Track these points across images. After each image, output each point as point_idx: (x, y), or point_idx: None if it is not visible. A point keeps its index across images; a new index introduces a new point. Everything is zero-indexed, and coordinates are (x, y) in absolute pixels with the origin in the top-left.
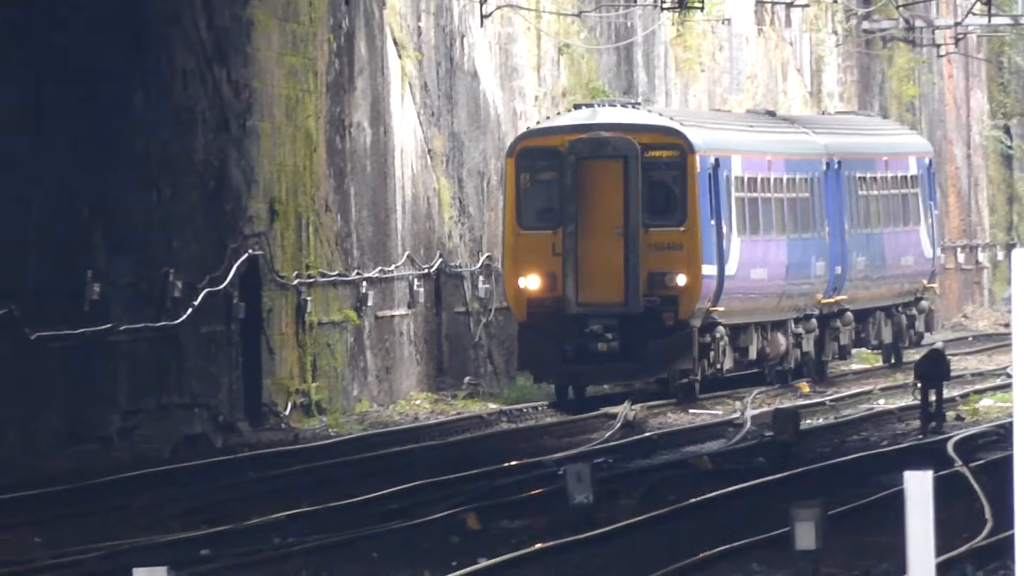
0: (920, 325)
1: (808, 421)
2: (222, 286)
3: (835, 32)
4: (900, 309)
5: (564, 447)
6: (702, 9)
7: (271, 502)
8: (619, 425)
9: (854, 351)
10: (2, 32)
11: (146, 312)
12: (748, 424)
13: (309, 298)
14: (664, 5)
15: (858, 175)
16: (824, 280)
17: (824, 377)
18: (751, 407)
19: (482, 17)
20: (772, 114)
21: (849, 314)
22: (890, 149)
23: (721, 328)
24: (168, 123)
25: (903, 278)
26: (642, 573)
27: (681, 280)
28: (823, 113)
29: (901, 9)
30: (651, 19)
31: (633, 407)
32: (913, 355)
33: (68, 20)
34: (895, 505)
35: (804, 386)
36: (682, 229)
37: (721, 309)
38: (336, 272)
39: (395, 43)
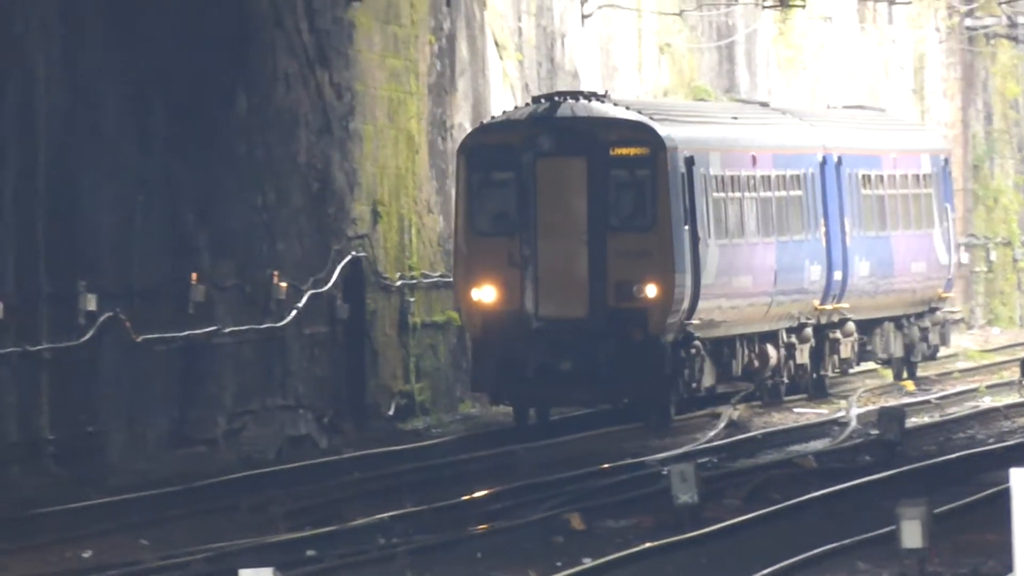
0: (935, 338)
1: (913, 419)
2: (326, 288)
3: (937, 29)
4: (912, 320)
5: (668, 447)
6: (804, 7)
7: (376, 502)
8: (724, 424)
9: (860, 365)
10: (106, 36)
11: (250, 314)
12: (853, 423)
13: (412, 299)
14: (766, 3)
15: (861, 172)
16: (820, 286)
17: (824, 392)
18: (856, 406)
19: (583, 17)
20: (765, 105)
21: (851, 324)
22: (900, 145)
23: (698, 343)
24: (271, 126)
25: (914, 286)
26: (747, 572)
27: (651, 291)
28: (828, 107)
29: (1004, 6)
30: (752, 17)
31: (737, 407)
32: (929, 370)
33: (172, 24)
34: (1002, 503)
35: (909, 384)
36: (652, 234)
37: (697, 322)
38: (438, 273)
39: (496, 44)
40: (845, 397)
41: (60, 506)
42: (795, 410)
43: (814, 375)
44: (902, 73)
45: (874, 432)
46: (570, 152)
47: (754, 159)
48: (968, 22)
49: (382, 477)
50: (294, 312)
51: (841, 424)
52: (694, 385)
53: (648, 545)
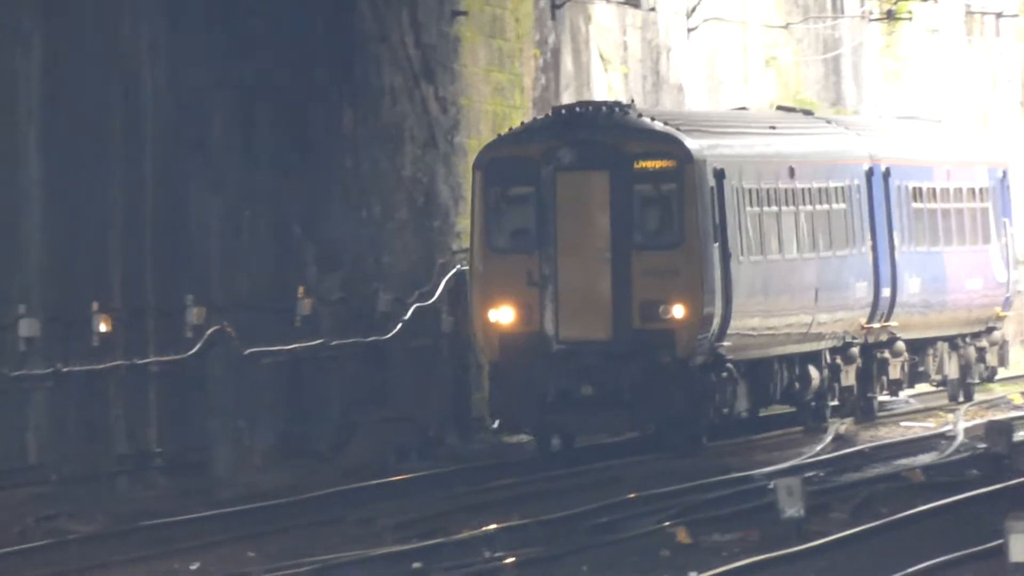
0: (992, 359)
1: (1021, 433)
2: (431, 301)
3: None
4: (968, 340)
5: (774, 461)
6: (911, 19)
7: (481, 515)
8: (830, 438)
9: (912, 388)
10: (212, 51)
11: (356, 327)
12: (960, 436)
13: None
14: (872, 16)
15: (912, 185)
16: (867, 304)
17: (872, 415)
18: (963, 419)
19: (688, 30)
20: (809, 113)
21: (900, 343)
22: (954, 157)
23: (730, 366)
24: (376, 140)
25: (970, 304)
26: None
27: (678, 311)
28: (880, 117)
29: None
30: (859, 30)
31: (844, 420)
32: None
33: (277, 38)
34: None
35: (1017, 398)
36: (679, 252)
37: (728, 344)
38: None
39: (601, 57)
40: (895, 420)
41: (168, 518)
42: (902, 424)
43: (862, 398)
44: (1009, 85)
45: (981, 446)
46: (592, 165)
47: (792, 170)
48: None
49: (487, 490)
50: (399, 325)
51: (948, 438)
52: (726, 410)
53: (754, 559)
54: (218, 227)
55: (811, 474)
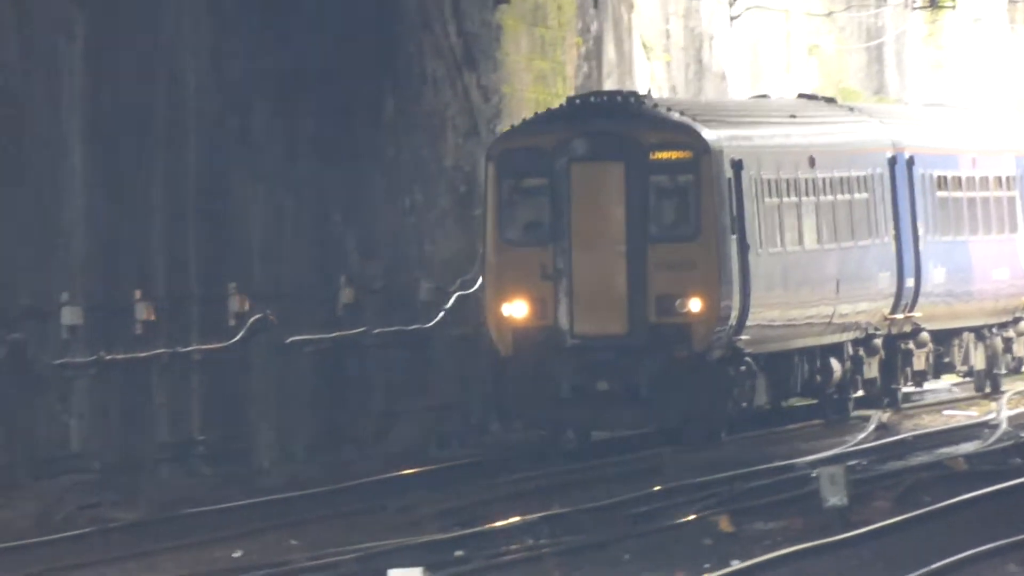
0: (1019, 349)
1: None
2: (472, 289)
3: None
4: (994, 330)
5: (817, 449)
6: (954, 8)
7: (523, 504)
8: (873, 427)
9: (938, 378)
10: (255, 41)
11: (398, 316)
12: (1004, 425)
13: None
14: (915, 5)
15: (936, 173)
16: (890, 295)
17: (897, 406)
18: (1007, 408)
19: (731, 18)
20: (831, 101)
21: (925, 334)
22: (981, 145)
23: (748, 360)
24: (418, 129)
25: (996, 294)
26: (897, 575)
27: (695, 305)
28: (905, 104)
29: None
30: (902, 18)
31: (886, 409)
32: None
33: (319, 28)
34: None
35: None
36: (696, 244)
37: (747, 337)
38: None
39: (644, 46)
40: (919, 411)
41: (210, 506)
42: (944, 412)
43: (886, 389)
44: None
45: None
46: (607, 156)
47: (812, 160)
48: None
49: (529, 478)
50: (441, 313)
51: (991, 426)
52: (744, 404)
53: (797, 547)
54: (260, 216)
55: (854, 462)
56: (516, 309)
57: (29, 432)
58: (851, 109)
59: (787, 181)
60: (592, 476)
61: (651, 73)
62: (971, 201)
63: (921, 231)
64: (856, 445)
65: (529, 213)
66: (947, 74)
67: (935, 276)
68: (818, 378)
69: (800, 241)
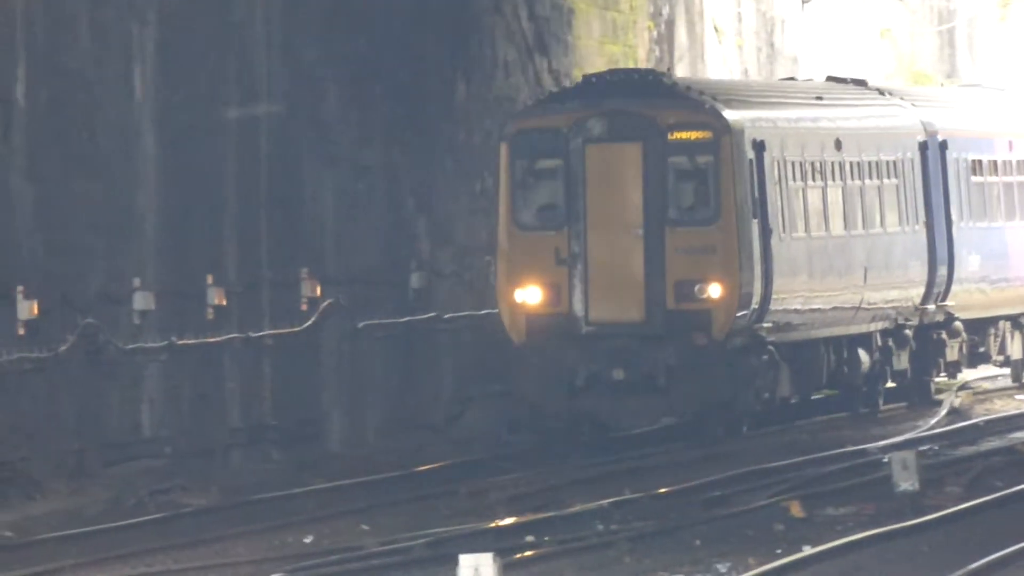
0: None
1: None
2: None
3: None
4: None
5: (889, 434)
6: None
7: (594, 489)
8: (945, 412)
9: (976, 367)
10: (327, 24)
11: (469, 301)
12: None
13: None
14: None
15: (971, 157)
16: (921, 283)
17: (928, 399)
18: None
19: (803, 1)
20: (862, 83)
21: (958, 324)
22: (1018, 127)
23: (771, 349)
24: (490, 113)
25: None
26: (969, 560)
27: (715, 291)
28: (941, 86)
29: None
30: (974, 1)
31: (959, 394)
32: None
33: (392, 11)
34: None
35: None
36: (715, 228)
37: (769, 325)
38: None
39: (715, 29)
40: (991, 396)
41: (282, 491)
42: (1016, 397)
43: (917, 381)
44: None
45: None
46: (624, 137)
47: (839, 143)
48: None
49: (600, 463)
50: None
51: None
52: (766, 395)
53: (868, 533)
54: (332, 201)
55: (926, 447)
56: (529, 295)
57: (101, 418)
58: (881, 92)
59: (812, 164)
60: (663, 461)
61: (723, 57)
62: (1007, 186)
63: (954, 217)
64: (928, 430)
65: (543, 196)
66: (1019, 57)
67: (969, 264)
68: (845, 369)
69: (826, 226)
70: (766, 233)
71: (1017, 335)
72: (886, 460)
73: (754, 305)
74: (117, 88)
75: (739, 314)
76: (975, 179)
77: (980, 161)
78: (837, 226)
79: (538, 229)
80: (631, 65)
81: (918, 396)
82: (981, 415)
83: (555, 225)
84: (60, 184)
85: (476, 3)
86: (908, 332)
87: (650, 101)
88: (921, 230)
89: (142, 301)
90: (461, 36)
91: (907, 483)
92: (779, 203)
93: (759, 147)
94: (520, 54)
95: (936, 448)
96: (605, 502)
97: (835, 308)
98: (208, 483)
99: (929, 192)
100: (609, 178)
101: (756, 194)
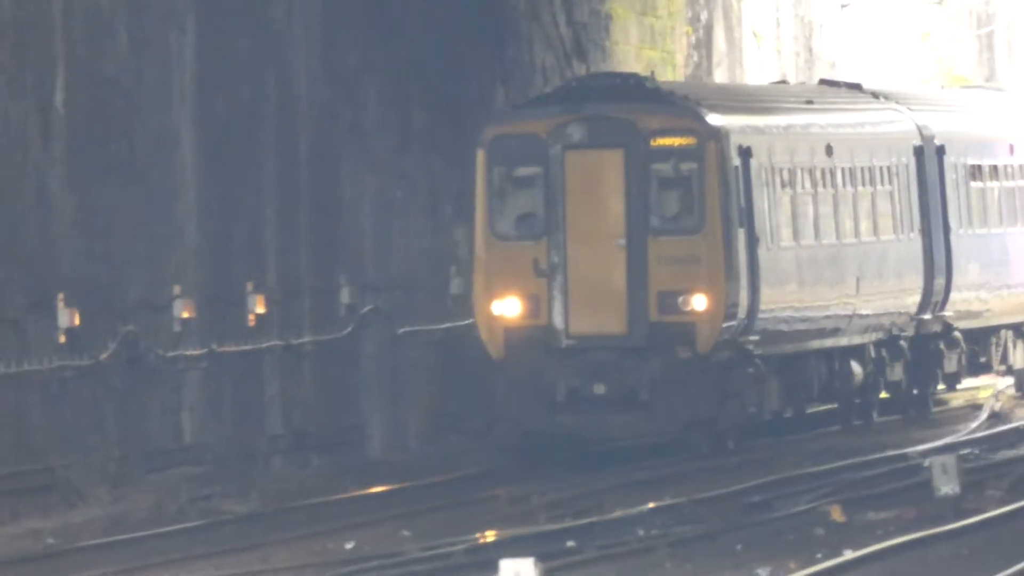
0: None
1: None
2: None
3: None
4: None
5: (928, 439)
6: None
7: (635, 494)
8: (985, 416)
9: (976, 378)
10: (366, 31)
11: None
12: None
13: None
14: None
15: (970, 162)
16: (917, 292)
17: (927, 412)
18: None
19: (841, 6)
20: (856, 87)
21: (957, 334)
22: (1019, 130)
23: (758, 362)
24: None
25: None
26: (1010, 564)
27: (699, 302)
28: (942, 88)
29: None
30: (1013, 5)
31: (999, 397)
32: None
33: (430, 18)
34: None
35: None
36: (700, 237)
37: (756, 337)
38: None
39: (753, 34)
40: (953, 418)
41: (322, 497)
42: None
43: (914, 394)
44: None
45: None
46: (605, 143)
47: (830, 148)
48: None
49: (641, 468)
50: None
51: None
52: (752, 410)
53: (909, 537)
54: (371, 207)
55: (966, 451)
56: (507, 307)
57: (142, 425)
58: (877, 96)
59: (802, 171)
60: (703, 466)
61: (761, 62)
62: (1009, 191)
63: (952, 224)
64: (968, 434)
65: (522, 204)
66: None
67: (968, 272)
68: (838, 382)
69: (816, 235)
70: (753, 242)
71: (1020, 344)
72: (926, 464)
73: (740, 317)
74: (156, 95)
75: (725, 326)
76: (974, 184)
77: (980, 166)
78: (828, 234)
79: (516, 239)
80: (669, 71)
81: (915, 408)
82: (1022, 418)
83: (534, 235)
84: (100, 191)
85: (514, 9)
86: (904, 343)
87: (632, 106)
88: (917, 238)
89: (182, 308)
90: (499, 42)
91: (947, 487)
92: (766, 211)
93: (745, 153)
94: (558, 59)
95: (976, 452)
96: (646, 507)
97: (826, 319)
98: (249, 489)
99: (925, 198)
100: (590, 186)
101: (742, 202)
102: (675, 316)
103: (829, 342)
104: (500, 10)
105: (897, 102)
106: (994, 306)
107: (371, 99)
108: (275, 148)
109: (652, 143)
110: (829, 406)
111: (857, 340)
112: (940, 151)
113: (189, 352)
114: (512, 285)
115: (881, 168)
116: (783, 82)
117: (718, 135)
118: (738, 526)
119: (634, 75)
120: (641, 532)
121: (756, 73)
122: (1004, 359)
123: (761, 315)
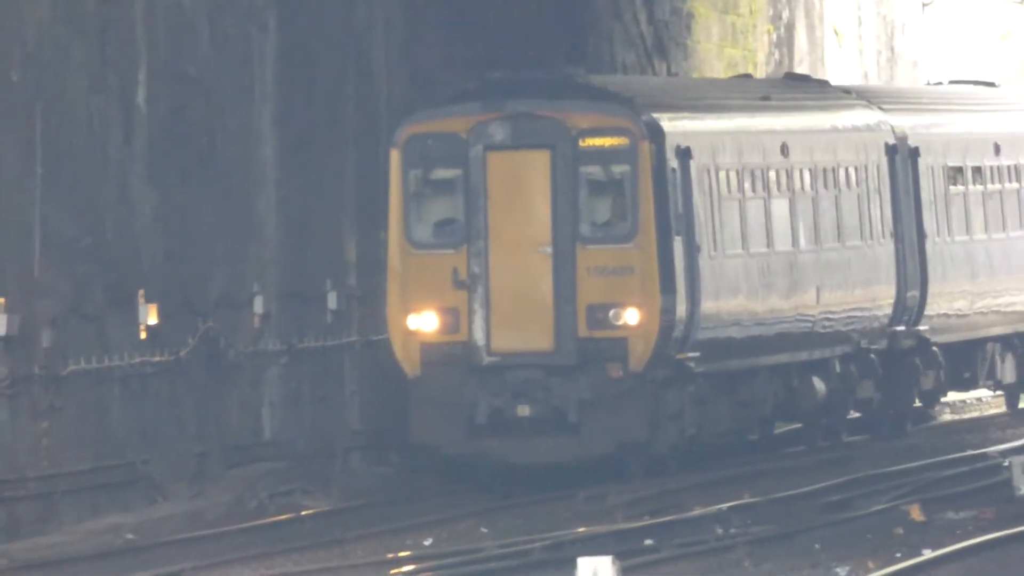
0: None
1: None
2: None
3: None
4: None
5: (1009, 438)
6: None
7: (713, 493)
8: None
9: (968, 394)
10: (446, 29)
11: None
12: None
13: None
14: None
15: (948, 164)
16: (888, 303)
17: (901, 432)
18: None
19: (923, 5)
20: (824, 83)
21: (934, 349)
22: (1006, 129)
23: (700, 380)
24: None
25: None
26: None
27: (632, 316)
28: (928, 84)
29: None
30: None
31: None
32: None
33: (511, 15)
34: None
35: None
36: (633, 246)
37: (696, 354)
38: None
39: (835, 33)
40: (928, 436)
41: (401, 494)
42: None
43: (888, 412)
44: None
45: None
46: (530, 144)
47: (785, 147)
48: None
49: (719, 467)
50: None
51: None
52: (692, 432)
53: (989, 536)
54: None
55: None
56: (424, 322)
57: (222, 421)
58: (847, 92)
59: (752, 173)
60: (783, 466)
61: (843, 61)
62: (992, 194)
63: (929, 231)
64: None
65: (440, 210)
66: None
67: (946, 282)
68: (798, 400)
69: (768, 242)
70: (692, 251)
71: (1009, 357)
72: (1006, 464)
73: (677, 332)
74: (237, 93)
75: (660, 342)
76: (954, 188)
77: (961, 168)
78: (783, 241)
79: (434, 247)
80: (750, 70)
81: (889, 427)
82: None
83: (453, 243)
84: (180, 189)
85: (595, 7)
86: (874, 357)
87: (559, 103)
88: (888, 244)
89: (263, 305)
90: (580, 41)
91: None
92: (709, 217)
93: (684, 154)
94: (639, 57)
95: None
96: (724, 506)
97: (780, 333)
98: (328, 486)
99: (898, 203)
100: (514, 190)
101: (680, 207)
102: (606, 331)
103: (785, 357)
104: (580, 7)
105: (868, 100)
106: (978, 318)
107: (450, 95)
108: (355, 146)
109: (581, 143)
110: (795, 425)
111: (819, 355)
112: (914, 152)
113: (269, 348)
114: (429, 298)
115: (847, 169)
116: (746, 76)
117: (653, 134)
118: (817, 525)
119: (564, 69)
120: (719, 531)
121: (837, 72)
122: (991, 374)
123: (703, 329)
